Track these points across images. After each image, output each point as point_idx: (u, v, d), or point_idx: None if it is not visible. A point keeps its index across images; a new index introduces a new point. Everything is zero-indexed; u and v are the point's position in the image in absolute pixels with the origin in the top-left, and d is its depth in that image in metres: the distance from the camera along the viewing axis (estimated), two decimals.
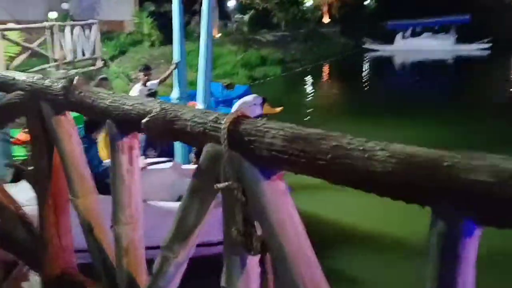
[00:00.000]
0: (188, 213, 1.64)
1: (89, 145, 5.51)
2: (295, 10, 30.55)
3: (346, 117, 13.55)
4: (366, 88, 19.27)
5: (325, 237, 6.17)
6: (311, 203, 6.98)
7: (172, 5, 8.09)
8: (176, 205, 5.35)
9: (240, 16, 26.97)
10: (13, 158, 7.80)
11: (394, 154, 1.12)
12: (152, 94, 7.46)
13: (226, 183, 1.44)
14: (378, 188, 1.16)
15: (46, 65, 11.93)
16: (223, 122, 1.46)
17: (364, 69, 25.46)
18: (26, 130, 8.88)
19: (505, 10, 32.61)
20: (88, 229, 2.13)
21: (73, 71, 13.18)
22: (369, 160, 1.14)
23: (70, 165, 2.18)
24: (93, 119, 5.78)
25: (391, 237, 6.17)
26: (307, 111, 14.14)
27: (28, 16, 17.38)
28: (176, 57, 8.09)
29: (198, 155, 6.30)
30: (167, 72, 8.30)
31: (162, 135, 1.67)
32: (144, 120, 1.68)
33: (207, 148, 1.55)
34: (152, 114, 1.67)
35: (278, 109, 6.44)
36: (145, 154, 6.08)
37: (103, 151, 7.84)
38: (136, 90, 7.82)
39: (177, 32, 8.11)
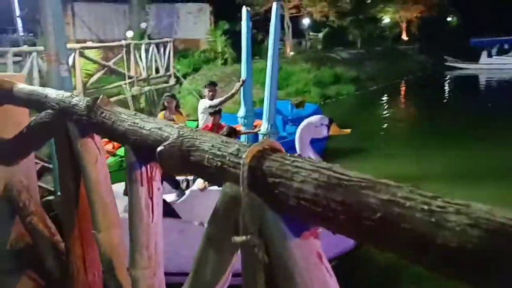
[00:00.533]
0: (204, 266, 1.32)
1: None
2: (371, 27, 29.80)
3: (422, 141, 12.71)
4: (445, 110, 18.12)
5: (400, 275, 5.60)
6: None
7: (242, 23, 7.98)
8: None
9: (315, 34, 26.68)
10: None
11: (478, 221, 0.72)
12: (217, 111, 7.29)
13: (245, 237, 1.10)
14: (450, 269, 0.77)
15: (121, 82, 12.27)
16: (244, 156, 1.13)
17: (444, 89, 24.09)
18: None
19: None
20: (107, 268, 1.87)
21: (147, 88, 13.51)
22: (438, 228, 0.75)
23: (94, 193, 1.94)
24: None
25: None
26: (380, 132, 13.43)
27: (113, 36, 18.28)
28: (243, 75, 7.93)
29: None
30: (233, 90, 8.13)
31: (178, 168, 1.36)
32: (159, 149, 1.39)
33: (225, 188, 1.22)
34: (167, 142, 1.38)
35: (347, 130, 5.97)
36: None
37: None
38: (202, 105, 7.72)
39: (245, 50, 7.97)
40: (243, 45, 7.97)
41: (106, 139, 9.54)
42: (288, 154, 1.11)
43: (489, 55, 28.87)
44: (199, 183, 5.71)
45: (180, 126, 1.44)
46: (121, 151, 9.03)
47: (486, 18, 33.47)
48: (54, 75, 6.72)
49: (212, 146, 1.26)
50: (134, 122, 1.60)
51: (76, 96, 2.05)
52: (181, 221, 5.03)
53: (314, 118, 5.70)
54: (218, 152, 1.23)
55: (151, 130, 1.51)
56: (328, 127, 5.55)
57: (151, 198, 1.64)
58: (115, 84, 12.15)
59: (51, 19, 6.72)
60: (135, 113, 1.69)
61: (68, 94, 2.11)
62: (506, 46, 29.23)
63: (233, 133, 6.30)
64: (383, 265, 5.77)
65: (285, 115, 12.19)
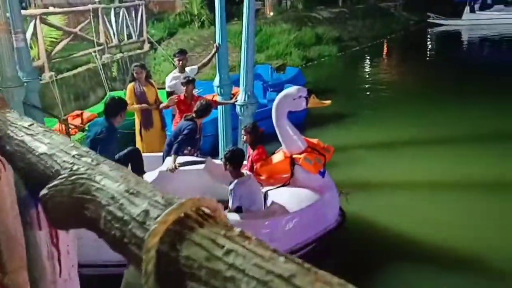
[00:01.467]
0: None
1: (108, 134, 4.95)
2: None
3: (407, 100, 12.34)
4: (429, 67, 17.71)
5: (386, 248, 5.32)
6: (369, 207, 6.13)
7: None
8: None
9: None
10: None
11: None
12: (190, 81, 6.74)
13: None
14: None
15: (90, 50, 11.52)
16: (151, 228, 0.66)
17: (427, 46, 23.60)
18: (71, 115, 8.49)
19: None
20: None
21: (119, 55, 12.78)
22: None
23: None
24: (114, 101, 5.27)
25: (462, 251, 5.20)
26: (363, 96, 12.99)
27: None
28: (218, 39, 7.33)
29: (252, 132, 5.47)
30: (208, 57, 7.56)
31: (68, 224, 0.90)
32: (41, 193, 0.92)
33: (126, 275, 0.77)
34: (54, 183, 0.90)
35: (327, 102, 5.53)
36: (178, 152, 5.40)
37: (141, 143, 7.32)
38: (170, 77, 7.15)
39: (218, 13, 7.32)
40: (217, 6, 7.32)
41: (74, 113, 8.94)
42: (227, 227, 0.65)
43: (472, 10, 28.32)
44: (169, 163, 5.26)
45: (79, 155, 0.95)
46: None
47: None
48: (3, 46, 6.07)
49: (112, 198, 0.79)
50: (22, 141, 1.12)
51: None
52: None
53: (292, 90, 5.24)
54: (119, 213, 0.76)
55: (40, 157, 1.03)
56: (307, 99, 5.12)
57: (56, 245, 1.17)
58: (83, 52, 11.40)
59: None
60: (31, 124, 1.20)
61: None
62: (489, 1, 28.70)
63: (207, 109, 5.79)
64: (366, 240, 5.50)
65: (265, 80, 11.64)
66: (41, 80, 9.17)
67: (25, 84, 6.80)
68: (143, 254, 0.65)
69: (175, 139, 5.52)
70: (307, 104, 5.14)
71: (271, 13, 22.11)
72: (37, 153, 1.04)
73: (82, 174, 0.88)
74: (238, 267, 0.57)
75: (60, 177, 0.91)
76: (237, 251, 0.59)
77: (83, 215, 0.85)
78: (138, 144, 7.09)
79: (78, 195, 0.86)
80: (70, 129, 7.57)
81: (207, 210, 0.70)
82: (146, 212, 0.72)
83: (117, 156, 5.09)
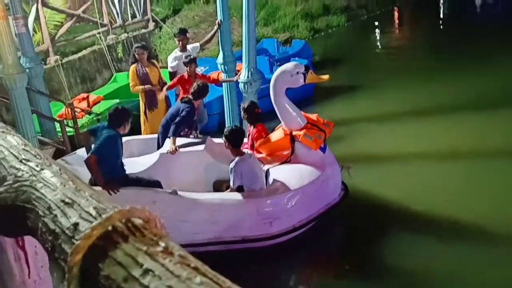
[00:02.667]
0: None
1: (112, 134, 4.77)
2: None
3: (417, 68, 12.08)
4: (441, 33, 17.30)
5: (388, 219, 5.31)
6: (372, 180, 6.08)
7: None
8: (207, 196, 4.68)
9: None
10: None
11: None
12: (191, 60, 6.67)
13: None
14: None
15: (94, 31, 11.45)
16: (75, 244, 0.63)
17: (439, 11, 23.01)
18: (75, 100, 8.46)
19: None
20: None
21: (124, 36, 12.69)
22: None
23: None
24: (118, 111, 5.07)
25: (460, 222, 5.17)
26: (372, 67, 12.74)
27: None
28: (219, 16, 7.21)
29: (247, 110, 5.45)
30: (209, 34, 7.46)
31: (13, 231, 0.87)
32: None
33: None
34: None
35: (325, 77, 5.45)
36: (176, 134, 5.36)
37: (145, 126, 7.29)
38: (171, 58, 7.08)
39: None
40: None
41: (80, 96, 8.93)
42: (152, 242, 0.61)
43: None
44: (169, 145, 5.24)
45: (26, 159, 0.92)
46: (97, 108, 8.49)
47: None
48: (4, 33, 6.03)
49: (48, 209, 0.76)
50: None
51: None
52: (153, 191, 4.60)
53: (289, 66, 5.16)
54: (52, 225, 0.73)
55: None
56: (305, 74, 5.04)
57: (22, 247, 1.15)
58: (88, 34, 11.33)
59: None
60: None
61: None
62: None
63: (203, 90, 5.72)
64: (368, 215, 5.49)
65: (271, 55, 11.48)
66: (46, 64, 9.17)
67: (28, 70, 6.79)
68: (66, 271, 0.62)
69: (171, 120, 5.49)
70: (305, 80, 5.07)
71: None
72: None
73: (25, 181, 0.85)
74: (153, 268, 0.53)
75: (5, 183, 0.88)
76: (155, 271, 0.56)
77: (25, 224, 0.82)
78: (143, 125, 7.09)
79: (20, 203, 0.83)
80: (76, 113, 7.58)
81: (138, 221, 0.66)
82: (76, 225, 0.68)
83: (141, 178, 4.90)
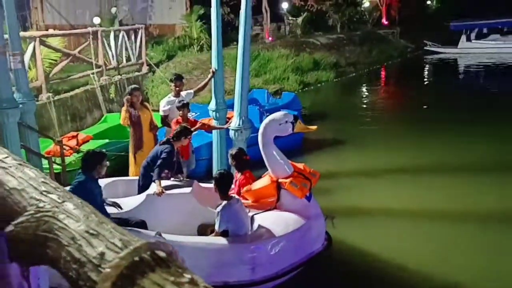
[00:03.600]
0: None
1: (81, 180, 4.67)
2: (351, 11, 29.31)
3: (403, 126, 12.41)
4: (425, 94, 17.85)
5: (371, 274, 5.30)
6: (357, 233, 6.11)
7: (211, 9, 7.42)
8: (191, 240, 4.66)
9: (294, 18, 26.08)
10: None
11: None
12: (184, 105, 6.80)
13: None
14: None
15: (89, 71, 11.62)
16: (104, 272, 0.67)
17: (424, 74, 23.85)
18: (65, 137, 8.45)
19: None
20: None
21: (117, 77, 12.87)
22: None
23: None
24: (89, 155, 5.05)
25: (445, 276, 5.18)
26: (359, 122, 13.04)
27: (84, 21, 17.41)
28: (214, 64, 7.41)
29: (235, 157, 5.55)
30: (204, 81, 7.62)
31: (34, 261, 0.90)
32: (8, 229, 0.92)
33: None
34: (19, 220, 0.91)
35: (313, 127, 5.60)
36: (160, 176, 5.39)
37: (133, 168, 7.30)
38: (164, 102, 7.20)
39: (215, 38, 7.42)
40: (213, 32, 7.42)
41: (70, 134, 8.94)
42: (178, 274, 0.66)
43: (468, 39, 28.68)
44: (156, 187, 5.26)
45: (46, 191, 0.96)
46: (86, 147, 8.48)
47: (466, 2, 33.35)
48: (1, 68, 6.11)
49: (73, 239, 0.80)
50: None
51: None
52: (137, 232, 4.56)
53: (278, 115, 5.30)
54: (76, 254, 0.77)
55: (10, 191, 1.04)
56: (293, 124, 5.17)
57: (27, 278, 1.17)
58: (82, 74, 11.49)
59: None
60: (6, 156, 1.21)
61: None
62: (485, 30, 29.07)
63: (181, 133, 5.81)
64: (352, 264, 5.49)
65: (262, 105, 11.71)
66: (38, 101, 9.22)
67: (21, 105, 6.84)
68: None
69: (152, 163, 5.54)
70: (293, 129, 5.20)
71: (270, 38, 22.38)
72: (7, 188, 1.05)
73: (47, 211, 0.89)
74: None
75: (26, 213, 0.92)
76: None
77: (45, 253, 0.85)
78: (131, 167, 7.09)
79: (42, 232, 0.87)
80: (64, 151, 7.57)
81: (162, 254, 0.71)
82: (102, 255, 0.73)
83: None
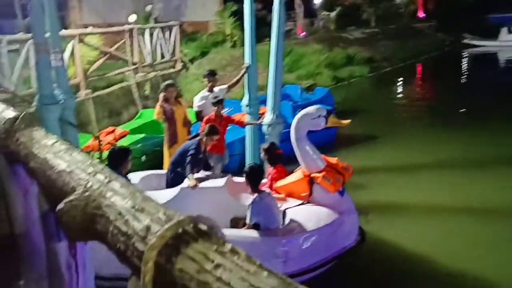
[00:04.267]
0: None
1: None
2: (386, 4, 28.83)
3: (439, 122, 12.14)
4: (463, 90, 17.41)
5: (405, 270, 5.24)
6: (392, 229, 6.05)
7: (244, 4, 7.47)
8: (224, 232, 4.73)
9: (327, 13, 25.87)
10: None
11: None
12: (219, 101, 6.88)
13: None
14: None
15: (124, 69, 11.88)
16: (151, 242, 0.72)
17: (462, 68, 23.23)
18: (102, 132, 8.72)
19: None
20: None
21: (152, 74, 13.11)
22: None
23: (21, 237, 1.55)
24: (115, 153, 5.25)
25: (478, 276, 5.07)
26: (393, 117, 12.86)
27: (121, 19, 17.78)
28: (247, 60, 7.48)
29: (268, 151, 5.63)
30: (237, 77, 7.69)
31: (83, 236, 0.96)
32: (59, 207, 0.99)
33: (129, 285, 0.82)
34: (69, 198, 0.97)
35: (346, 121, 5.57)
36: (194, 169, 5.52)
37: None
38: (198, 98, 7.30)
39: (248, 33, 7.49)
40: (246, 28, 7.48)
41: (107, 129, 9.18)
42: (220, 243, 0.70)
43: (510, 32, 27.75)
44: (190, 180, 5.36)
45: (94, 172, 1.02)
46: (122, 142, 8.70)
47: None
48: (42, 65, 6.34)
49: (120, 214, 0.85)
50: (45, 159, 1.20)
51: (4, 109, 1.64)
52: None
53: (311, 109, 5.31)
54: (124, 227, 0.82)
55: (60, 174, 1.11)
56: (326, 118, 5.16)
57: (74, 257, 1.24)
58: (118, 71, 11.76)
59: (38, 3, 6.33)
60: (55, 141, 1.28)
61: None
62: None
63: (210, 131, 5.92)
64: (385, 260, 5.44)
65: (294, 101, 11.70)
66: (77, 97, 9.51)
67: (62, 101, 7.06)
68: (142, 265, 0.71)
69: (181, 157, 5.67)
70: (326, 123, 5.19)
71: (302, 34, 22.28)
72: (57, 170, 1.12)
73: (95, 191, 0.95)
74: (225, 280, 0.62)
75: (75, 193, 0.98)
76: (225, 265, 0.64)
77: (94, 229, 0.91)
78: (166, 161, 7.24)
79: (91, 210, 0.93)
80: (102, 145, 7.78)
81: (203, 227, 0.75)
82: (148, 228, 0.78)
83: None
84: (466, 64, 24.33)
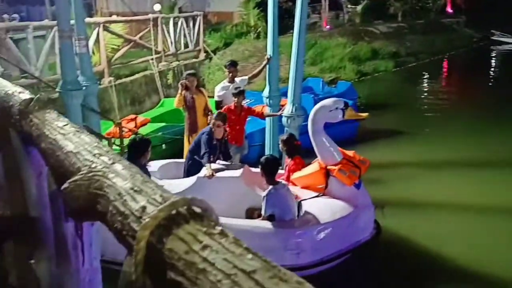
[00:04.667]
0: None
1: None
2: None
3: (463, 120, 11.90)
4: (490, 88, 17.03)
5: (419, 265, 5.20)
6: (408, 224, 6.00)
7: None
8: (237, 222, 4.74)
9: (353, 6, 25.57)
10: None
11: None
12: (240, 92, 6.88)
13: None
14: None
15: (148, 57, 11.98)
16: (144, 222, 0.73)
17: (490, 65, 22.71)
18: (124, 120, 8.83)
19: None
20: None
21: (175, 63, 13.19)
22: None
23: (35, 214, 1.59)
24: (136, 143, 5.29)
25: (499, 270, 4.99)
26: (417, 114, 12.67)
27: (145, 8, 17.92)
28: (269, 51, 7.46)
29: (286, 142, 5.65)
30: (259, 68, 7.69)
31: (86, 216, 0.98)
32: (63, 186, 1.01)
33: (124, 264, 0.84)
34: (74, 178, 0.99)
35: (364, 114, 5.54)
36: (210, 158, 5.57)
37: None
38: (219, 88, 7.32)
39: (271, 25, 7.45)
40: (269, 19, 7.45)
41: (129, 117, 9.28)
42: (210, 226, 0.71)
43: None
44: (207, 169, 5.39)
45: (99, 154, 1.04)
46: (144, 130, 8.80)
47: None
48: (65, 52, 6.45)
49: (119, 194, 0.87)
50: (55, 140, 1.23)
51: (21, 92, 1.68)
52: None
53: (328, 101, 5.29)
54: (122, 208, 0.84)
55: (67, 154, 1.13)
56: (344, 110, 5.13)
57: (80, 237, 1.27)
58: (142, 59, 11.87)
59: None
60: (66, 124, 1.31)
61: (13, 88, 1.74)
62: None
63: (219, 117, 5.97)
64: (400, 255, 5.40)
65: (316, 93, 11.63)
66: (100, 84, 9.65)
67: (85, 87, 7.18)
68: (135, 244, 0.72)
69: (197, 146, 5.74)
70: (343, 116, 5.15)
71: (328, 27, 22.08)
72: (65, 151, 1.15)
73: (98, 171, 0.97)
74: (210, 260, 0.63)
75: (80, 173, 1.00)
76: (212, 246, 0.65)
77: (95, 208, 0.93)
78: (186, 150, 7.30)
79: (93, 190, 0.95)
80: (123, 132, 7.88)
81: (197, 209, 0.76)
82: (144, 208, 0.79)
83: None
84: (494, 61, 23.78)
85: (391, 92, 16.12)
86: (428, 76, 19.18)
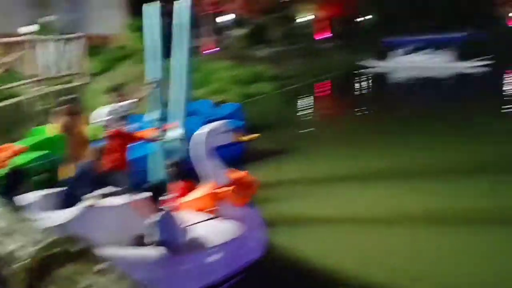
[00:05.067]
0: None
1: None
2: (293, 25, 30.07)
3: (340, 136, 12.81)
4: (362, 107, 18.57)
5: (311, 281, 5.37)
6: (299, 241, 6.21)
7: (143, 19, 7.48)
8: (124, 251, 4.58)
9: (237, 31, 26.43)
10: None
11: None
12: (123, 117, 6.69)
13: None
14: None
15: (19, 82, 11.13)
16: (19, 264, 0.69)
17: (360, 87, 24.82)
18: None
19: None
20: None
21: (50, 88, 12.42)
22: None
23: None
24: (10, 175, 4.88)
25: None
26: (301, 129, 13.38)
27: (19, 29, 16.70)
28: (153, 76, 7.40)
29: (174, 166, 5.60)
30: (143, 92, 7.56)
31: None
32: None
33: None
34: None
35: (253, 135, 5.72)
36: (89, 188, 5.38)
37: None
38: (101, 113, 7.06)
39: (150, 48, 7.45)
40: (151, 43, 7.44)
41: (2, 146, 8.49)
42: (90, 265, 0.69)
43: (400, 54, 30.11)
44: (89, 199, 5.16)
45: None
46: (21, 158, 8.12)
47: (400, 19, 35.16)
48: None
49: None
50: None
51: None
52: None
53: (217, 124, 5.40)
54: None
55: None
56: (233, 133, 5.28)
57: None
58: (11, 85, 10.99)
59: None
60: None
61: None
62: (416, 46, 30.67)
63: (98, 157, 5.88)
64: (292, 273, 5.52)
65: (205, 116, 11.70)
66: None
67: None
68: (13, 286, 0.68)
69: (77, 177, 5.63)
70: (233, 138, 5.29)
71: (212, 50, 22.50)
72: None
73: None
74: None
75: None
76: (97, 284, 0.64)
77: None
78: (65, 176, 6.88)
79: None
80: None
81: (77, 247, 0.74)
82: (19, 249, 0.75)
83: None
84: (363, 83, 26.04)
85: (273, 113, 16.85)
86: (306, 97, 20.39)
